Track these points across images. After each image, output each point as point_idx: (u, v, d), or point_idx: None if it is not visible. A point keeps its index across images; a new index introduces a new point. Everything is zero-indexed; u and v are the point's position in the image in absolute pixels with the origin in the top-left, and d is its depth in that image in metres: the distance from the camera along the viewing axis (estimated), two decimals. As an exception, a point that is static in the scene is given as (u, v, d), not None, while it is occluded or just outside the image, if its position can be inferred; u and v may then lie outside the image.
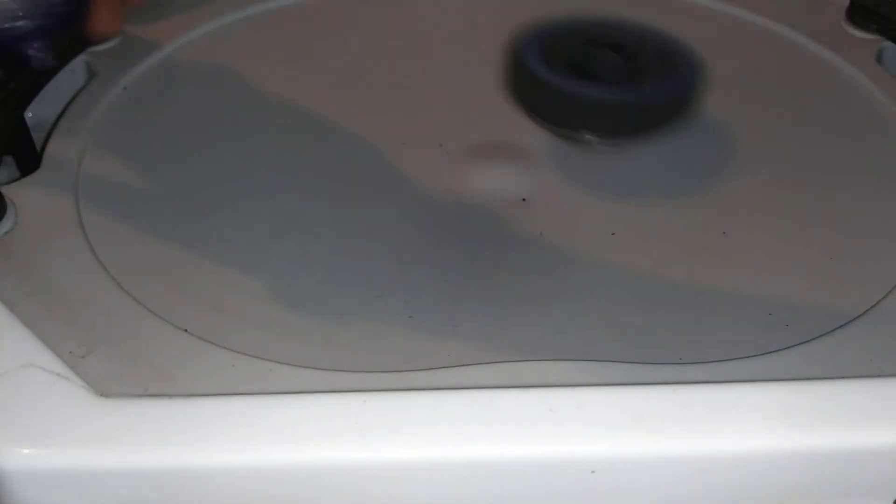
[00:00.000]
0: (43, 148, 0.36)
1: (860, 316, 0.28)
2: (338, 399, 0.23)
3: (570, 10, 0.36)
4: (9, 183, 0.34)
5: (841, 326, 0.27)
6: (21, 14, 0.28)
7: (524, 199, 0.34)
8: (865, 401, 0.23)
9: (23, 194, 0.33)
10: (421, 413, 0.23)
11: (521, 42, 0.35)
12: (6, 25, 0.28)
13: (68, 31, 0.30)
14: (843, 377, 0.25)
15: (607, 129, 0.34)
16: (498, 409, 0.23)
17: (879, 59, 0.40)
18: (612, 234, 0.33)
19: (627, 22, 0.36)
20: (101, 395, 0.24)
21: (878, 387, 0.24)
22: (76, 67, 0.40)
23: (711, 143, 0.37)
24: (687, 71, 0.34)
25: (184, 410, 0.23)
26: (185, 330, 0.28)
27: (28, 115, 0.39)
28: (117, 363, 0.27)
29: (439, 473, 0.23)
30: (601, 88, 0.33)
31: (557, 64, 0.34)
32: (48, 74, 0.39)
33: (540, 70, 0.33)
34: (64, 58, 0.37)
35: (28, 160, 0.38)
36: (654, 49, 0.34)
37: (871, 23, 0.40)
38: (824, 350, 0.27)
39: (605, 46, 0.34)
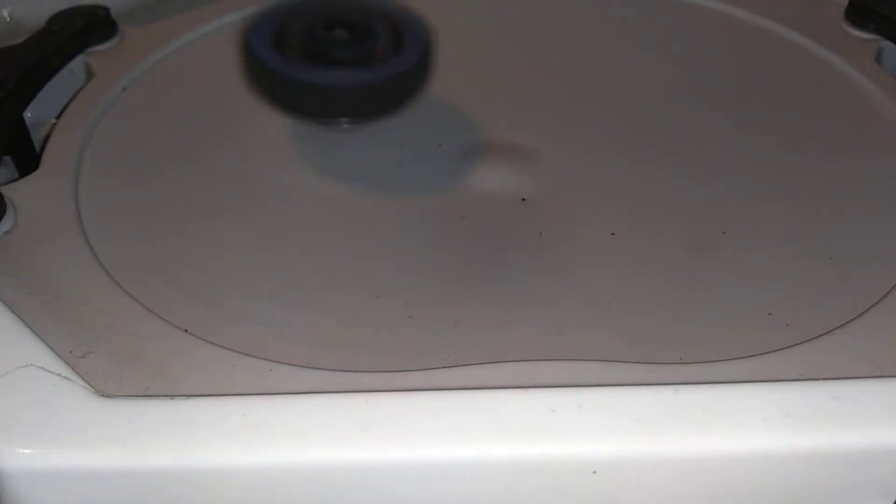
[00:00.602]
0: (42, 148, 0.36)
1: (860, 315, 0.28)
2: (339, 399, 0.23)
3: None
4: (8, 183, 0.34)
5: (841, 326, 0.27)
6: None
7: (524, 199, 0.34)
8: (866, 401, 0.23)
9: (22, 194, 0.33)
10: (422, 413, 0.23)
11: (250, 29, 0.34)
12: None
13: None
14: (843, 377, 0.25)
15: (346, 111, 0.34)
16: (499, 409, 0.22)
17: (879, 59, 0.40)
18: (612, 233, 0.33)
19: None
20: (102, 395, 0.24)
21: (879, 387, 0.24)
22: (75, 68, 0.40)
23: (710, 143, 0.37)
24: (416, 45, 0.34)
25: (184, 410, 0.23)
26: (186, 330, 0.28)
27: (27, 115, 0.39)
28: (117, 363, 0.27)
29: (440, 473, 0.23)
30: (332, 72, 0.33)
31: (289, 49, 0.33)
32: (47, 74, 0.39)
33: (269, 58, 0.33)
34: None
35: (27, 160, 0.38)
36: (385, 25, 0.34)
37: (871, 22, 0.40)
38: (824, 350, 0.27)
39: (337, 26, 0.33)
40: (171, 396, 0.23)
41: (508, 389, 0.23)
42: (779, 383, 0.24)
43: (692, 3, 0.44)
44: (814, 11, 0.42)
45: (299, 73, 0.32)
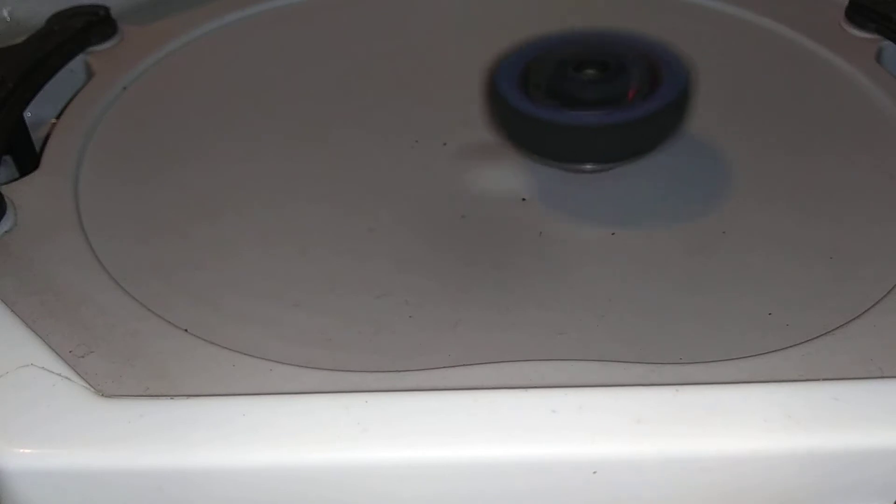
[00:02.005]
0: (42, 148, 0.36)
1: (860, 315, 0.28)
2: (339, 399, 0.23)
3: (549, 28, 0.35)
4: (8, 183, 0.34)
5: (841, 326, 0.27)
6: None
7: (524, 199, 0.34)
8: (866, 401, 0.23)
9: (22, 194, 0.33)
10: (422, 413, 0.23)
11: (496, 72, 0.33)
12: None
13: None
14: (843, 378, 0.25)
15: (599, 155, 0.33)
16: (500, 409, 0.22)
17: (879, 58, 0.40)
18: (612, 233, 0.33)
19: (610, 33, 0.35)
20: (102, 395, 0.24)
21: (879, 387, 0.24)
22: (75, 67, 0.40)
23: (709, 143, 0.37)
24: (675, 82, 0.32)
25: (184, 410, 0.23)
26: (186, 330, 0.28)
27: (27, 114, 0.39)
28: (117, 363, 0.27)
29: (440, 474, 0.23)
30: (584, 115, 0.32)
31: (536, 92, 0.32)
32: (47, 74, 0.39)
33: (518, 101, 0.31)
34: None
35: (27, 160, 0.38)
36: (639, 61, 0.33)
37: (871, 22, 0.40)
38: (825, 350, 0.27)
39: (586, 65, 0.32)
40: (172, 396, 0.23)
41: (508, 390, 0.23)
42: (779, 384, 0.24)
43: (692, 2, 0.44)
44: (814, 11, 0.42)
45: (545, 113, 0.31)
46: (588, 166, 0.34)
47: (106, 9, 0.42)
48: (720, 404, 0.22)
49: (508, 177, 0.35)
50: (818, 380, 0.24)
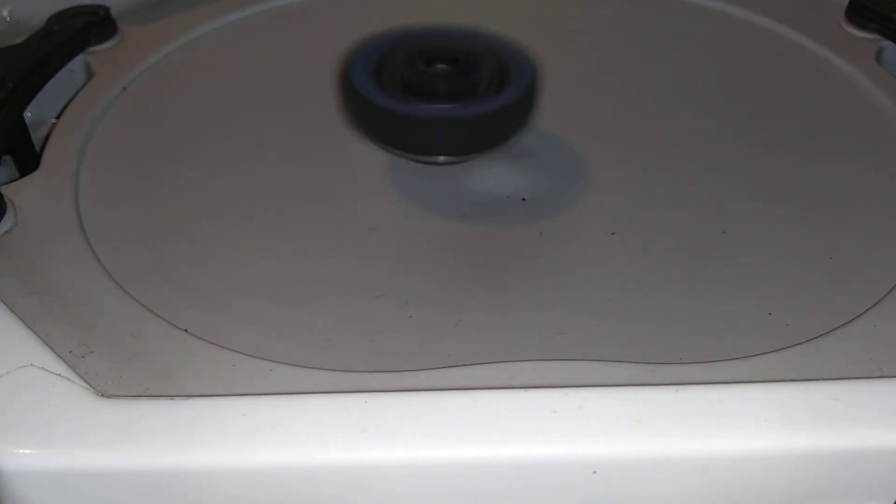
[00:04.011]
0: (42, 148, 0.36)
1: (860, 315, 0.28)
2: (339, 399, 0.23)
3: (405, 23, 0.35)
4: (8, 183, 0.34)
5: (841, 326, 0.27)
6: None
7: (524, 199, 0.34)
8: (866, 401, 0.23)
9: (22, 194, 0.33)
10: (422, 413, 0.22)
11: (350, 62, 0.33)
12: None
13: None
14: (843, 377, 0.25)
15: (449, 147, 0.33)
16: (500, 409, 0.22)
17: (879, 58, 0.40)
18: (612, 233, 0.33)
19: (464, 30, 0.35)
20: (102, 395, 0.24)
21: (879, 387, 0.24)
22: (75, 67, 0.40)
23: (709, 142, 0.37)
24: (522, 79, 0.33)
25: (185, 411, 0.23)
26: (186, 330, 0.28)
27: (27, 114, 0.39)
28: (117, 363, 0.27)
29: (440, 474, 0.23)
30: (436, 107, 0.32)
31: (390, 84, 0.32)
32: (47, 74, 0.39)
33: (371, 93, 0.32)
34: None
35: (27, 160, 0.38)
36: (489, 58, 0.33)
37: (871, 22, 0.40)
38: (825, 350, 0.27)
39: (439, 60, 0.33)
40: (172, 397, 0.23)
41: (508, 390, 0.23)
42: (778, 384, 0.24)
43: (692, 2, 0.44)
44: (814, 11, 0.42)
45: (399, 106, 0.31)
46: (440, 159, 0.34)
47: (106, 9, 0.42)
48: (720, 404, 0.22)
49: (509, 177, 0.35)
50: (818, 380, 0.24)
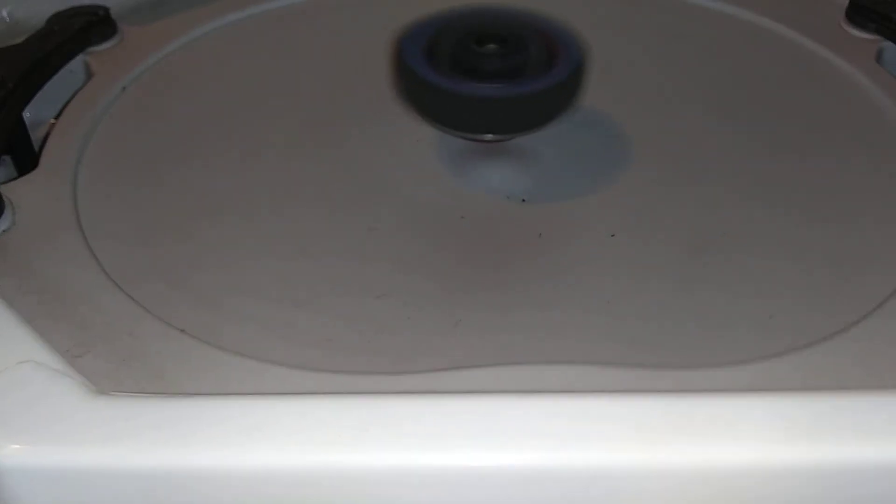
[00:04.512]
0: (41, 148, 0.36)
1: (863, 319, 0.28)
2: (336, 401, 0.23)
3: (457, 4, 0.35)
4: (6, 182, 0.34)
5: (842, 331, 0.27)
6: None
7: (524, 200, 0.34)
8: (869, 414, 0.23)
9: (21, 193, 0.33)
10: (420, 417, 0.22)
11: (403, 42, 0.34)
12: None
13: None
14: (845, 386, 0.24)
15: (499, 125, 0.34)
16: (498, 415, 0.22)
17: (879, 59, 0.40)
18: (612, 235, 0.33)
19: (513, 10, 0.35)
20: (99, 392, 0.23)
21: (882, 400, 0.23)
22: (75, 68, 0.40)
23: (709, 144, 0.36)
24: (569, 59, 0.33)
25: (181, 410, 0.22)
26: (182, 330, 0.28)
27: (27, 114, 0.39)
28: (113, 362, 0.26)
29: (437, 478, 0.23)
30: (486, 86, 0.32)
31: (441, 63, 0.33)
32: (47, 74, 0.39)
33: (424, 71, 0.32)
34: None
35: (26, 160, 0.38)
36: (537, 39, 0.34)
37: (871, 22, 0.40)
38: (825, 355, 0.26)
39: (488, 40, 0.33)
40: (169, 395, 0.23)
41: (507, 394, 0.23)
42: (781, 394, 0.23)
43: (692, 2, 0.44)
44: (814, 11, 0.42)
45: (449, 84, 0.32)
46: (488, 136, 0.35)
47: (106, 9, 0.42)
48: (721, 414, 0.22)
49: (509, 178, 0.35)
50: (820, 390, 0.24)
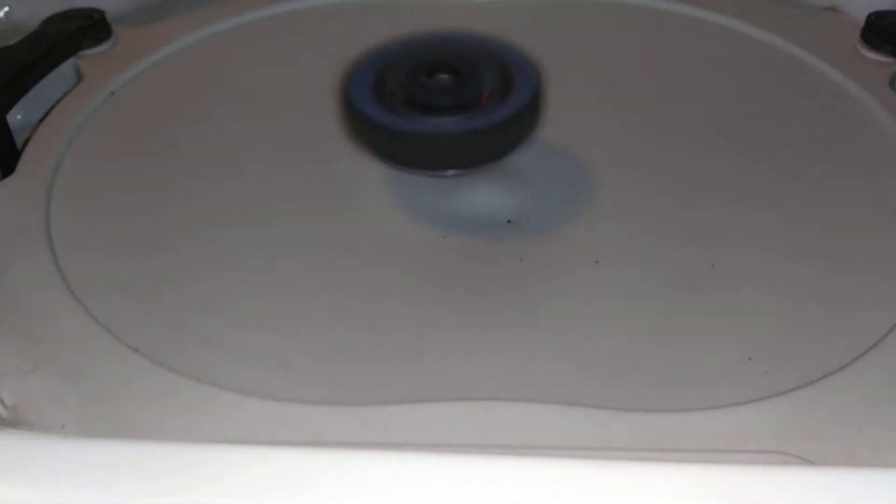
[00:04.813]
0: (21, 152, 0.35)
1: (844, 367, 0.26)
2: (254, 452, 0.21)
3: (406, 32, 0.33)
4: (-19, 188, 0.33)
5: (823, 377, 0.25)
6: None
7: (509, 221, 0.33)
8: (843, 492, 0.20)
9: (-7, 200, 0.32)
10: (332, 472, 0.20)
11: (349, 77, 0.32)
12: None
13: None
14: (813, 438, 0.23)
15: (452, 160, 0.31)
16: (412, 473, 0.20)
17: (893, 83, 0.38)
18: (596, 261, 0.31)
19: (464, 36, 0.33)
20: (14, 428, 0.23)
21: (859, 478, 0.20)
22: (65, 71, 0.40)
23: (709, 169, 0.35)
24: (526, 88, 0.31)
25: (75, 453, 0.21)
26: (136, 350, 0.27)
27: (17, 117, 0.39)
28: (62, 381, 0.26)
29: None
30: (438, 121, 0.30)
31: (389, 97, 0.31)
32: (35, 78, 0.38)
33: (370, 108, 0.30)
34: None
35: (9, 163, 0.37)
36: (492, 66, 0.32)
37: (887, 44, 0.38)
38: (803, 403, 0.25)
39: (439, 71, 0.31)
40: (65, 436, 0.21)
41: (430, 453, 0.20)
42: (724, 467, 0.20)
43: (702, 19, 0.42)
44: (829, 32, 0.40)
45: (401, 123, 0.30)
46: (450, 172, 0.33)
47: (101, 12, 0.41)
48: (643, 482, 0.19)
49: (496, 197, 0.34)
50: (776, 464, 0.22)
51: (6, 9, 0.43)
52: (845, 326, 0.28)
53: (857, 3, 0.41)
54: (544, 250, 0.32)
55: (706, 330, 0.28)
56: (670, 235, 0.32)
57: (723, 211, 0.33)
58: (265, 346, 0.28)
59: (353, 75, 0.32)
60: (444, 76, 0.31)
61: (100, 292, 0.29)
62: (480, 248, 0.32)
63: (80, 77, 0.40)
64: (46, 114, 0.37)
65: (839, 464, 0.23)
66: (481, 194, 0.34)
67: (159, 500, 0.19)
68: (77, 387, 0.26)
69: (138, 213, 0.33)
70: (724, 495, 0.18)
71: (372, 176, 0.35)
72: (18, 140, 0.38)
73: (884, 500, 0.18)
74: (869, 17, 0.39)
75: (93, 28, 0.41)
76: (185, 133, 0.37)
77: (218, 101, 0.39)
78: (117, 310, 0.29)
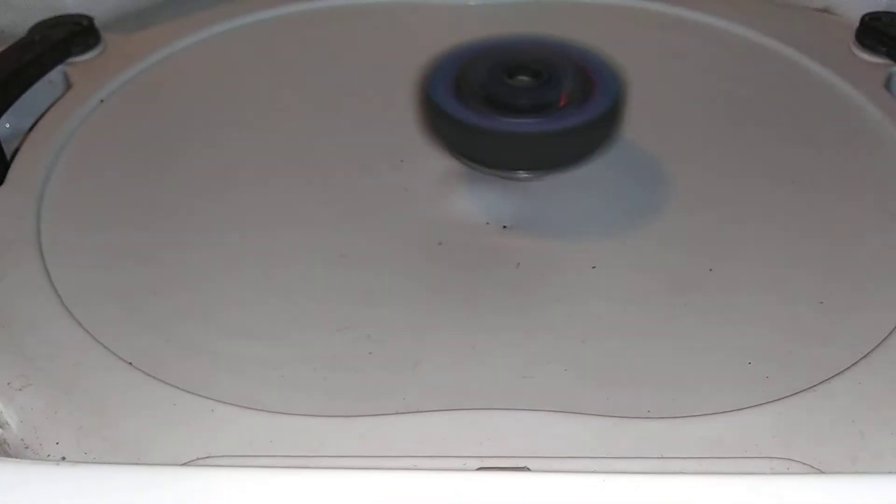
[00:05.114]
0: (11, 161, 0.35)
1: (845, 370, 0.26)
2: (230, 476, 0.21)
3: (487, 34, 0.33)
4: (-31, 199, 0.33)
5: (823, 381, 0.25)
6: None
7: (505, 227, 0.33)
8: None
9: (-18, 212, 0.32)
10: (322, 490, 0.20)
11: (430, 76, 0.32)
12: None
13: None
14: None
15: (533, 162, 0.31)
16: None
17: (888, 84, 0.37)
18: (593, 267, 0.31)
19: (544, 40, 0.33)
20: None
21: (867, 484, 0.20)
22: (54, 79, 0.39)
23: (705, 173, 0.35)
24: (607, 91, 0.31)
25: (71, 480, 0.21)
26: (130, 363, 0.27)
27: (6, 125, 0.38)
28: (54, 396, 0.25)
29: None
30: (518, 122, 0.30)
31: (470, 98, 0.31)
32: (23, 86, 0.38)
33: (451, 107, 0.30)
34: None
35: (2, 173, 0.37)
36: (572, 69, 0.31)
37: (882, 46, 0.38)
38: (803, 407, 0.25)
39: (520, 72, 0.31)
40: (58, 461, 0.21)
41: (420, 472, 0.20)
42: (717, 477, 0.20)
43: (698, 21, 0.42)
44: (823, 33, 0.40)
45: (477, 119, 0.30)
46: (522, 174, 0.33)
47: (90, 19, 0.41)
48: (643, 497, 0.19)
49: (492, 203, 0.34)
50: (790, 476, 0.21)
51: (-7, 16, 0.43)
52: (845, 330, 0.27)
53: (852, 5, 0.41)
54: (541, 256, 0.32)
55: (705, 335, 0.28)
56: (668, 240, 0.32)
57: (719, 215, 0.33)
58: (259, 356, 0.28)
59: (433, 72, 0.32)
60: (524, 78, 0.31)
61: (92, 304, 0.29)
62: (476, 254, 0.32)
63: (68, 84, 0.39)
64: (36, 122, 0.37)
65: (841, 469, 0.23)
66: (477, 200, 0.34)
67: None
68: (71, 401, 0.25)
69: (130, 222, 0.33)
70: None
71: (365, 185, 0.34)
72: (8, 149, 0.38)
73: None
74: (863, 18, 0.39)
75: (81, 35, 0.40)
76: (176, 140, 0.37)
77: (208, 108, 0.38)
78: (110, 322, 0.28)
